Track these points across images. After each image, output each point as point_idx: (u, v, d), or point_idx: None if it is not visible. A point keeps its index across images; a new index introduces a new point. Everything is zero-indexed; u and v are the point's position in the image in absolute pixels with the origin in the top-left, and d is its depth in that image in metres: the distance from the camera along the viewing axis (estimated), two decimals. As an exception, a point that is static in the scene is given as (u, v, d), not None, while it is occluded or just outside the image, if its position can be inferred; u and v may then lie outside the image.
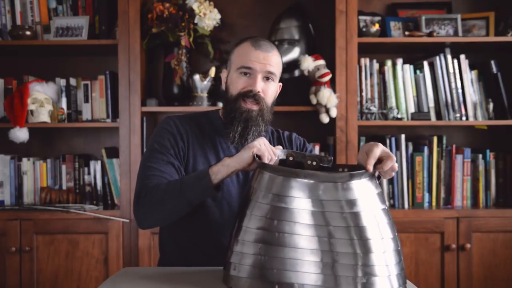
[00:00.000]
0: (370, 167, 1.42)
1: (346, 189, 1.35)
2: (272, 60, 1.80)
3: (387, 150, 1.48)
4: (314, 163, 1.57)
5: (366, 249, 1.31)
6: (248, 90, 1.78)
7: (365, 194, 1.37)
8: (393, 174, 1.50)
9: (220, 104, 2.97)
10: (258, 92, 1.78)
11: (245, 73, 1.79)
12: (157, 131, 1.84)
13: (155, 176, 1.72)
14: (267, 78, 1.81)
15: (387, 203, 3.00)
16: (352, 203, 1.34)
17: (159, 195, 1.65)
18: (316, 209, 1.33)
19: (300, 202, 1.35)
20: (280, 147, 1.64)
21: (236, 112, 1.79)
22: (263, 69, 1.78)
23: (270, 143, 1.93)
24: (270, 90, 1.82)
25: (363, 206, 1.34)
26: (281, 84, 1.93)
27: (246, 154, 1.54)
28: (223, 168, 1.58)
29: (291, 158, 1.60)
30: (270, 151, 1.55)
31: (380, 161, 1.47)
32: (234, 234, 1.45)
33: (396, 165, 1.48)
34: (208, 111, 1.98)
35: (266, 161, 1.51)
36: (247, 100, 1.79)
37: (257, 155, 1.52)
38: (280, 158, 1.60)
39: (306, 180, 1.36)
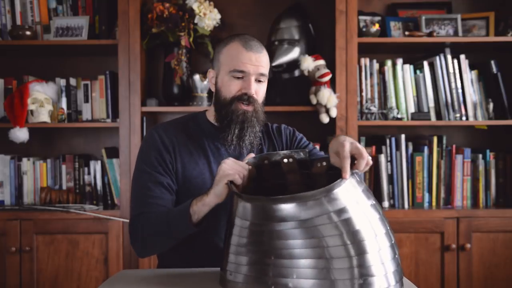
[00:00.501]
0: (347, 175, 1.36)
1: (331, 201, 1.31)
2: (263, 61, 1.80)
3: (356, 144, 1.42)
4: (291, 159, 1.55)
5: (360, 251, 1.29)
6: (242, 94, 1.77)
7: (350, 197, 1.33)
8: (368, 168, 1.45)
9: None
10: (252, 95, 1.78)
11: (238, 76, 1.78)
12: (143, 147, 1.84)
13: (147, 204, 1.73)
14: (259, 80, 1.80)
15: (386, 202, 3.02)
16: (341, 211, 1.30)
17: (149, 231, 1.69)
18: (305, 226, 1.30)
19: (287, 224, 1.31)
20: (252, 154, 1.61)
21: (233, 115, 1.78)
22: (256, 71, 1.77)
23: (261, 138, 1.93)
24: (261, 91, 1.82)
25: (352, 210, 1.31)
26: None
27: (220, 187, 1.53)
28: (204, 208, 1.58)
29: (266, 162, 1.57)
30: (239, 171, 1.51)
31: (353, 158, 1.42)
32: (225, 248, 1.45)
33: (370, 159, 1.43)
34: (195, 113, 1.96)
35: (239, 182, 1.50)
36: (241, 102, 1.78)
37: (230, 182, 1.49)
38: (255, 166, 1.56)
39: (287, 204, 1.31)
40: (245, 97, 1.77)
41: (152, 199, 1.73)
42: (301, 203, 1.31)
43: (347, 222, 1.30)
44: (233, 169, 1.52)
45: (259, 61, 1.77)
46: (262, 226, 1.34)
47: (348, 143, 1.41)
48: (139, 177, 1.79)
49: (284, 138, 1.96)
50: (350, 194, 1.34)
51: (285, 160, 1.55)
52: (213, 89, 1.88)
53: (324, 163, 1.55)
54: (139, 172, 1.80)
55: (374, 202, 1.39)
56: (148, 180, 1.76)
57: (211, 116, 1.89)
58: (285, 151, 1.58)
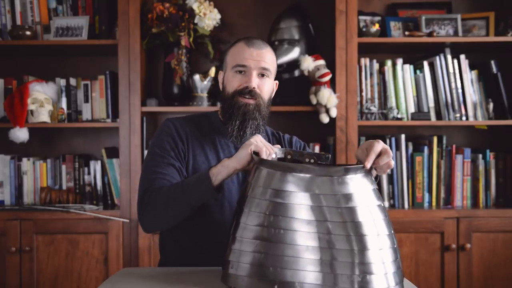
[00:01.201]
0: (368, 164, 1.42)
1: (342, 183, 1.35)
2: (266, 57, 1.83)
3: (387, 146, 1.49)
4: (312, 160, 1.58)
5: (362, 246, 1.31)
6: (244, 87, 1.82)
7: (360, 189, 1.37)
8: (388, 170, 1.50)
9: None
10: (254, 88, 1.81)
11: (240, 71, 1.82)
12: (157, 135, 1.87)
13: (156, 179, 1.74)
14: (262, 75, 1.84)
15: (386, 202, 3.02)
16: (347, 197, 1.34)
17: (161, 199, 1.68)
18: (313, 203, 1.34)
19: (297, 197, 1.35)
20: (279, 146, 1.65)
21: (234, 108, 1.82)
22: (257, 65, 1.81)
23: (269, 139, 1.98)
24: (265, 87, 1.85)
25: (358, 201, 1.35)
26: (277, 82, 1.96)
27: (244, 152, 1.55)
28: (223, 169, 1.59)
29: (289, 157, 1.61)
30: (267, 147, 1.55)
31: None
32: (232, 232, 1.45)
33: (392, 162, 1.48)
34: (208, 112, 2.01)
35: (264, 156, 1.51)
36: (243, 96, 1.82)
37: (254, 152, 1.52)
38: (278, 157, 1.61)
39: (303, 175, 1.36)
40: (247, 91, 1.81)
41: (163, 176, 1.75)
42: (315, 177, 1.36)
43: (351, 211, 1.33)
44: (262, 142, 1.55)
45: (260, 56, 1.82)
46: (273, 196, 1.37)
47: (382, 143, 1.48)
48: (150, 160, 1.81)
49: None
50: (360, 186, 1.38)
51: (307, 160, 1.59)
52: (221, 89, 1.93)
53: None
54: (151, 155, 1.82)
55: (382, 204, 1.41)
56: (160, 162, 1.78)
57: (221, 114, 1.94)
58: (309, 152, 1.63)
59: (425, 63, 3.11)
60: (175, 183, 1.71)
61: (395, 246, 1.38)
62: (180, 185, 1.67)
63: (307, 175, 1.36)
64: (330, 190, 1.35)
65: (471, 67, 3.14)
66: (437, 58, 3.09)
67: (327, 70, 2.97)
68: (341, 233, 1.31)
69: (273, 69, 1.87)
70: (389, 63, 3.11)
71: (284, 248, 1.33)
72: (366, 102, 3.09)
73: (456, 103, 3.07)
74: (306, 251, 1.32)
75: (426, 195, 3.08)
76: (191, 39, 3.03)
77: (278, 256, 1.34)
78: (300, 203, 1.35)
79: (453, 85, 3.08)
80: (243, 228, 1.41)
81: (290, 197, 1.36)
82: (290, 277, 1.33)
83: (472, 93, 3.11)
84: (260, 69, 1.82)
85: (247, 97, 1.81)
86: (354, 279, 1.30)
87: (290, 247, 1.33)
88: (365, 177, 1.41)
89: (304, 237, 1.33)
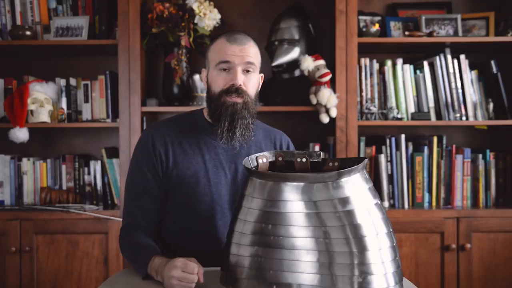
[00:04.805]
0: None
1: (337, 188, 1.34)
2: (250, 51, 1.80)
3: None
4: (304, 159, 1.57)
5: (361, 247, 1.31)
6: (230, 86, 1.78)
7: (356, 190, 1.36)
8: None
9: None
10: (240, 85, 1.78)
11: (224, 69, 1.79)
12: (136, 149, 1.89)
13: (131, 214, 1.84)
14: (247, 70, 1.81)
15: (386, 202, 3.02)
16: (344, 201, 1.33)
17: (124, 252, 1.82)
18: (309, 210, 1.33)
19: (293, 205, 1.34)
20: (266, 153, 1.63)
21: (222, 108, 1.79)
22: (242, 61, 1.78)
23: (266, 146, 1.96)
24: (251, 82, 1.82)
25: (356, 203, 1.34)
26: (262, 75, 1.92)
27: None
28: (154, 274, 1.61)
29: (280, 159, 1.59)
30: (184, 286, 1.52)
31: None
32: (229, 238, 1.46)
33: None
34: (193, 111, 1.98)
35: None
36: (230, 95, 1.79)
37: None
38: (269, 160, 1.59)
39: (296, 183, 1.35)
40: (233, 89, 1.78)
41: (137, 210, 1.82)
42: (309, 184, 1.34)
43: (350, 214, 1.32)
44: (179, 285, 1.52)
45: (243, 52, 1.79)
46: (268, 207, 1.37)
47: None
48: (129, 181, 1.87)
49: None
50: (356, 187, 1.37)
51: (299, 159, 1.57)
52: (205, 87, 1.90)
53: (336, 163, 1.56)
54: (130, 174, 1.88)
55: (378, 201, 1.40)
56: (138, 186, 1.84)
57: (207, 113, 1.91)
58: (300, 151, 1.61)
59: (425, 63, 3.11)
60: (132, 245, 1.77)
61: (394, 244, 1.38)
62: (132, 258, 1.74)
63: (301, 183, 1.35)
64: (326, 196, 1.33)
65: (471, 67, 3.14)
66: (437, 58, 3.09)
67: (327, 70, 2.97)
68: (340, 236, 1.31)
69: (257, 63, 1.84)
70: (389, 63, 3.11)
71: (281, 252, 1.33)
72: (366, 102, 3.09)
73: (456, 103, 3.07)
74: (305, 254, 1.32)
75: (426, 195, 3.08)
76: (191, 39, 3.03)
77: (276, 259, 1.34)
78: (297, 211, 1.34)
79: (453, 85, 3.08)
80: (240, 235, 1.41)
81: (285, 206, 1.35)
82: (288, 279, 1.33)
83: (472, 93, 3.11)
84: (245, 64, 1.79)
85: (233, 95, 1.78)
86: (354, 280, 1.30)
87: (289, 251, 1.33)
88: (360, 177, 1.39)
89: (302, 241, 1.33)
